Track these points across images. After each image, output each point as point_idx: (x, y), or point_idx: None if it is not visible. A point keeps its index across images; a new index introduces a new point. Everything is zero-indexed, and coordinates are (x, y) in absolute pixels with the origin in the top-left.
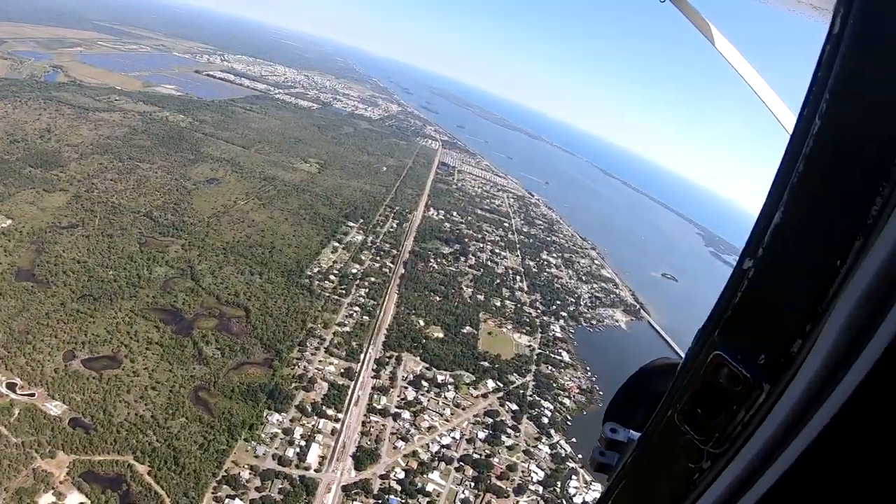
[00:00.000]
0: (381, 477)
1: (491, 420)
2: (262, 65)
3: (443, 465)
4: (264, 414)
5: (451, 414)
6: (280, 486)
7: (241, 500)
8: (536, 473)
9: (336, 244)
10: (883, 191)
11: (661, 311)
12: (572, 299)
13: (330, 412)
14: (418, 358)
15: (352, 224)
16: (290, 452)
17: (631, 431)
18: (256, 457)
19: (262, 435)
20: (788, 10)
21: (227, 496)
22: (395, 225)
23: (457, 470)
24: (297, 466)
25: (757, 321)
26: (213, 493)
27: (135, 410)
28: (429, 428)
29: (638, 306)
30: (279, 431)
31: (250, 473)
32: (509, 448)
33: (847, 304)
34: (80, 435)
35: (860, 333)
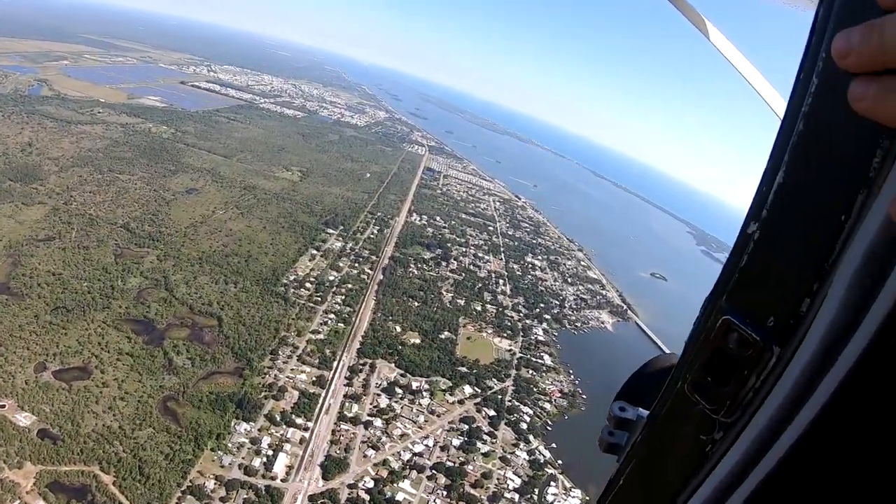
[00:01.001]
0: (350, 486)
1: (466, 427)
2: (249, 74)
3: (414, 473)
4: (232, 423)
5: (425, 421)
6: (245, 497)
7: None
8: (513, 480)
9: (314, 252)
10: (882, 143)
11: (649, 311)
12: (556, 302)
13: (299, 421)
14: (393, 365)
15: (331, 231)
16: (257, 462)
17: (640, 409)
18: (222, 467)
19: (229, 445)
20: (781, 2)
21: None
22: (375, 231)
23: (429, 478)
24: (264, 476)
25: (764, 283)
26: (177, 503)
27: (102, 421)
28: (401, 436)
29: (625, 307)
30: (246, 441)
31: (215, 483)
32: (485, 455)
33: (853, 259)
34: (48, 446)
35: (868, 288)
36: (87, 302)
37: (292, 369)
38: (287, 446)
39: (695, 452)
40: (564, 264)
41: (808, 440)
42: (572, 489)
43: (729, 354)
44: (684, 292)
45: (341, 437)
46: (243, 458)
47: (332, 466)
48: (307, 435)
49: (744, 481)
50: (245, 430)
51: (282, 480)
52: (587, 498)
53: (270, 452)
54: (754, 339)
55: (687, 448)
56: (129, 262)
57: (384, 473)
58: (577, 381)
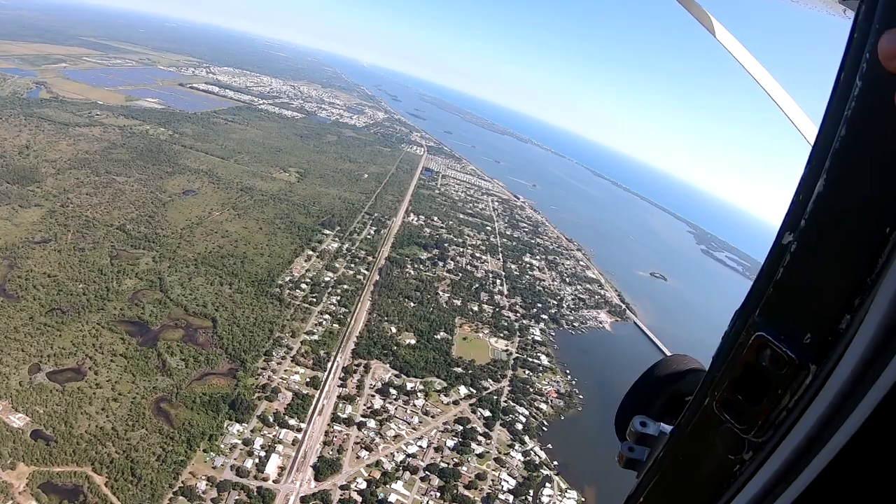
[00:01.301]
0: (342, 487)
1: (461, 427)
2: (248, 76)
3: (407, 474)
4: (225, 425)
5: (419, 422)
6: (237, 498)
7: None
8: (507, 482)
9: (310, 252)
10: None
11: (648, 311)
12: (554, 302)
13: (292, 422)
14: (388, 365)
15: (328, 232)
16: (249, 463)
17: (662, 424)
18: (214, 468)
19: (222, 446)
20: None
21: None
22: (372, 232)
23: (422, 479)
24: (256, 477)
25: (801, 298)
26: None
27: (95, 422)
28: (395, 437)
29: (624, 307)
30: (239, 442)
31: (207, 485)
32: (479, 456)
33: None
34: (41, 446)
35: None
36: (81, 303)
37: (286, 370)
38: (279, 447)
39: (722, 472)
40: (563, 264)
41: (841, 463)
42: (568, 490)
43: (762, 372)
44: (684, 292)
45: (334, 438)
46: (235, 459)
47: (324, 467)
48: (300, 436)
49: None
50: (238, 431)
51: (274, 481)
52: (583, 499)
53: (263, 453)
54: (789, 357)
55: (713, 467)
56: (124, 264)
57: (377, 475)
58: (574, 382)
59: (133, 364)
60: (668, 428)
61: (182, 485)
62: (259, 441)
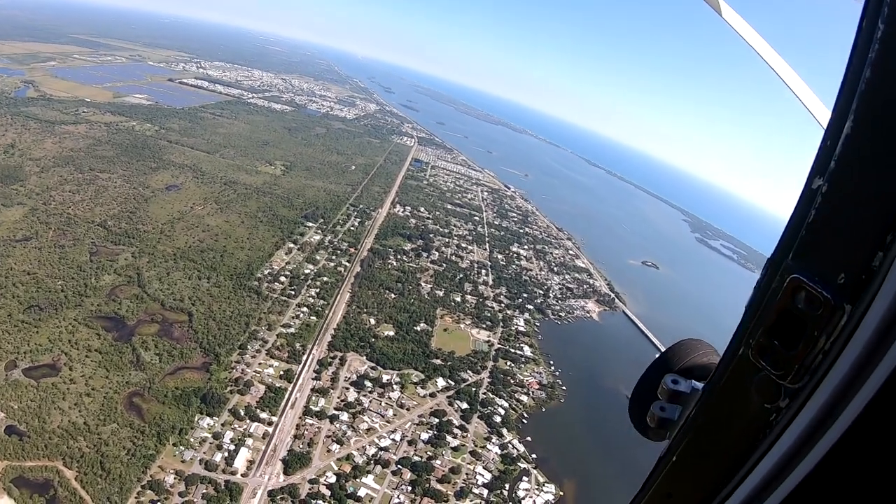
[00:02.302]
0: (311, 482)
1: (437, 420)
2: (239, 70)
3: (379, 468)
4: (195, 419)
5: (394, 415)
6: (204, 492)
7: None
8: (482, 475)
9: (291, 245)
10: None
11: (638, 300)
12: (541, 291)
13: (264, 415)
14: (364, 357)
15: (310, 224)
16: (218, 457)
17: (694, 382)
18: (183, 462)
19: (191, 440)
20: None
21: (151, 501)
22: (356, 223)
23: (394, 473)
24: (224, 471)
25: (833, 238)
26: (136, 498)
27: (68, 417)
28: (367, 430)
29: (613, 296)
30: (209, 436)
31: (175, 478)
32: (454, 449)
33: None
34: (14, 442)
35: None
36: (59, 300)
37: (260, 363)
38: (249, 441)
39: (758, 422)
40: (551, 253)
41: (879, 405)
42: (546, 484)
43: (797, 315)
44: (676, 280)
45: (305, 432)
46: (205, 452)
47: (293, 461)
48: (270, 429)
49: (810, 451)
50: (208, 424)
51: (242, 475)
52: (561, 493)
53: (232, 447)
54: (824, 298)
55: (749, 418)
56: (103, 260)
57: (347, 468)
58: (557, 373)
59: (107, 359)
60: (699, 385)
61: (150, 479)
62: (229, 435)
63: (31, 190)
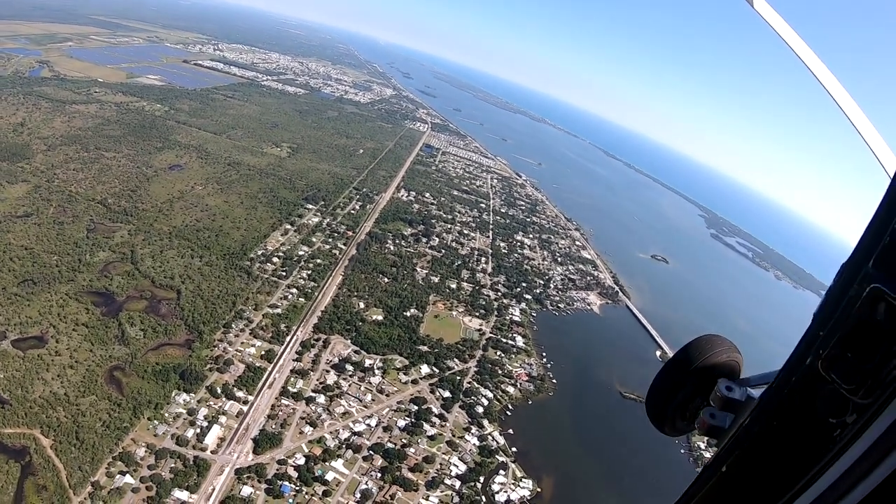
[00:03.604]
0: (280, 462)
1: (416, 407)
2: (256, 53)
3: (350, 453)
4: (172, 394)
5: (372, 400)
6: (172, 466)
7: (132, 476)
8: (457, 466)
9: (288, 227)
10: None
11: (643, 294)
12: (541, 281)
13: (240, 394)
14: (349, 341)
15: (311, 207)
16: (190, 433)
17: (749, 389)
18: (156, 436)
19: (166, 415)
20: None
21: (120, 472)
22: (357, 207)
23: (365, 459)
24: (194, 447)
25: None
26: (106, 468)
27: (50, 388)
28: (343, 414)
29: (617, 289)
30: (184, 412)
31: (146, 451)
32: (431, 438)
33: None
34: None
35: None
36: (53, 275)
37: (243, 343)
38: (223, 419)
39: (820, 437)
40: (557, 243)
41: None
42: (523, 479)
43: (875, 327)
44: (685, 275)
45: (280, 412)
46: (178, 428)
47: (264, 441)
48: (245, 408)
49: (874, 471)
50: (184, 400)
51: (212, 452)
52: (539, 489)
53: (205, 424)
54: None
55: (810, 432)
56: (100, 237)
57: (318, 451)
58: (549, 365)
59: (93, 333)
60: (755, 392)
61: (122, 450)
62: (203, 412)
63: (36, 167)
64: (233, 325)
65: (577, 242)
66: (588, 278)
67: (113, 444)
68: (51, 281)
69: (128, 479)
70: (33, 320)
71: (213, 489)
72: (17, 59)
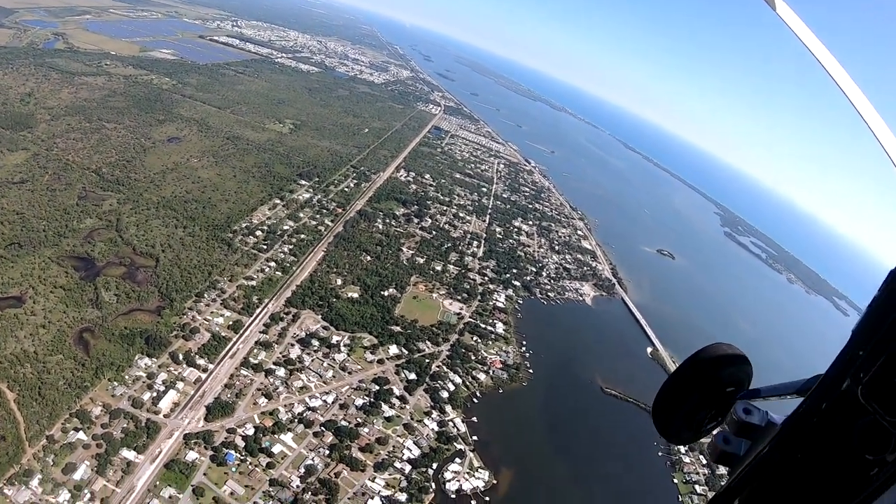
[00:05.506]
0: (229, 431)
1: (376, 387)
2: (275, 30)
3: (301, 427)
4: (135, 358)
5: (333, 376)
6: (125, 426)
7: (85, 433)
8: (410, 451)
9: (277, 201)
10: None
11: (642, 288)
12: (533, 269)
13: (201, 362)
14: (319, 317)
15: (304, 182)
16: (146, 396)
17: (770, 413)
18: (113, 396)
19: (126, 377)
20: None
21: (74, 428)
22: (352, 185)
23: (315, 435)
24: (148, 410)
25: None
26: (63, 424)
27: (21, 345)
28: (301, 388)
29: (614, 281)
30: (143, 375)
31: (102, 411)
32: (388, 419)
33: None
34: None
35: None
36: (39, 239)
37: (212, 312)
38: (180, 385)
39: (852, 474)
40: (557, 232)
41: None
42: (479, 469)
43: None
44: (691, 272)
45: (237, 382)
46: (135, 390)
47: (217, 409)
48: (204, 376)
49: None
50: (145, 364)
51: (164, 416)
52: (495, 482)
53: (162, 388)
54: None
55: (842, 468)
56: (89, 205)
57: (269, 423)
58: (527, 354)
59: (69, 296)
60: (777, 418)
61: (80, 408)
62: (162, 376)
63: (37, 136)
64: (205, 295)
65: (580, 232)
66: (585, 268)
67: (72, 401)
68: (36, 245)
69: (81, 435)
70: (15, 281)
71: (160, 451)
72: (34, 31)
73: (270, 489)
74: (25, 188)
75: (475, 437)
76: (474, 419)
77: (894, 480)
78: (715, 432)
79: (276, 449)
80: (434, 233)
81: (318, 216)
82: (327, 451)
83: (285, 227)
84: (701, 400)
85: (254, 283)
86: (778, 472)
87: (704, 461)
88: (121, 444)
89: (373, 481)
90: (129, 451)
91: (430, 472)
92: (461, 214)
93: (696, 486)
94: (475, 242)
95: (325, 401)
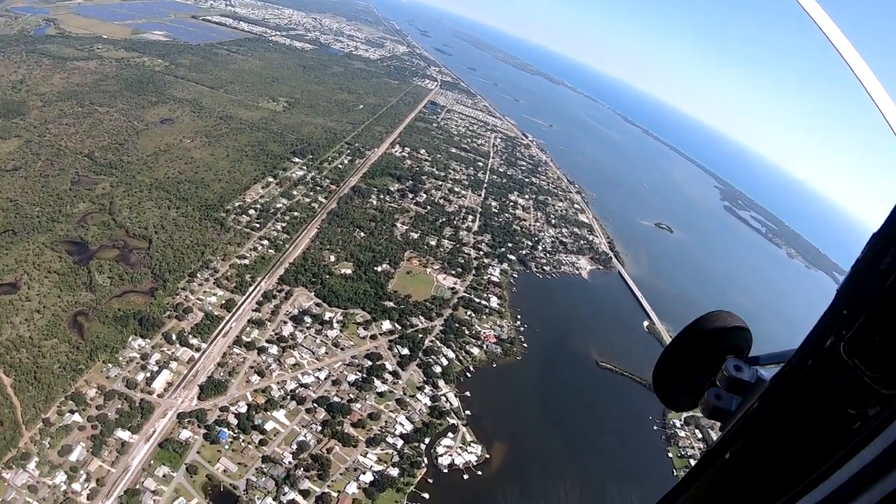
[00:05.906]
0: (222, 409)
1: (369, 363)
2: (269, 8)
3: (294, 404)
4: (129, 339)
5: (326, 353)
6: (119, 407)
7: (80, 415)
8: (403, 426)
9: (270, 180)
10: None
11: (640, 262)
12: (529, 243)
13: (194, 341)
14: (313, 294)
15: (297, 160)
16: (140, 377)
17: (759, 370)
18: (108, 378)
19: (120, 359)
20: None
21: (70, 410)
22: (346, 161)
23: (307, 411)
24: (142, 390)
25: None
26: (58, 406)
27: (17, 331)
28: (294, 365)
29: (611, 255)
30: (137, 356)
31: (96, 392)
32: (380, 395)
33: None
34: None
35: None
36: (33, 225)
37: (205, 291)
38: (173, 364)
39: (836, 429)
40: (554, 206)
41: None
42: (472, 444)
43: None
44: (689, 245)
45: (230, 360)
46: (129, 371)
47: (210, 388)
48: (197, 355)
49: (894, 471)
50: (139, 345)
51: (158, 396)
52: (487, 455)
53: (156, 369)
54: None
55: (825, 423)
56: (82, 189)
57: (262, 400)
58: (522, 329)
59: (63, 280)
60: (766, 374)
61: (75, 391)
62: (156, 357)
63: (30, 123)
64: (198, 275)
65: (576, 205)
66: (581, 242)
67: (67, 384)
68: (30, 231)
69: (76, 417)
70: (9, 268)
71: (154, 431)
72: (25, 17)
73: (263, 466)
74: (19, 175)
75: (468, 412)
76: (467, 394)
77: (876, 434)
78: (708, 390)
79: (269, 426)
80: (429, 208)
81: (311, 193)
82: (319, 428)
83: (278, 205)
84: (701, 366)
85: (246, 261)
86: (766, 427)
87: (700, 435)
88: (115, 424)
89: (365, 456)
90: (123, 431)
91: (423, 446)
92: (456, 189)
93: (691, 461)
94: (470, 217)
95: (317, 377)
